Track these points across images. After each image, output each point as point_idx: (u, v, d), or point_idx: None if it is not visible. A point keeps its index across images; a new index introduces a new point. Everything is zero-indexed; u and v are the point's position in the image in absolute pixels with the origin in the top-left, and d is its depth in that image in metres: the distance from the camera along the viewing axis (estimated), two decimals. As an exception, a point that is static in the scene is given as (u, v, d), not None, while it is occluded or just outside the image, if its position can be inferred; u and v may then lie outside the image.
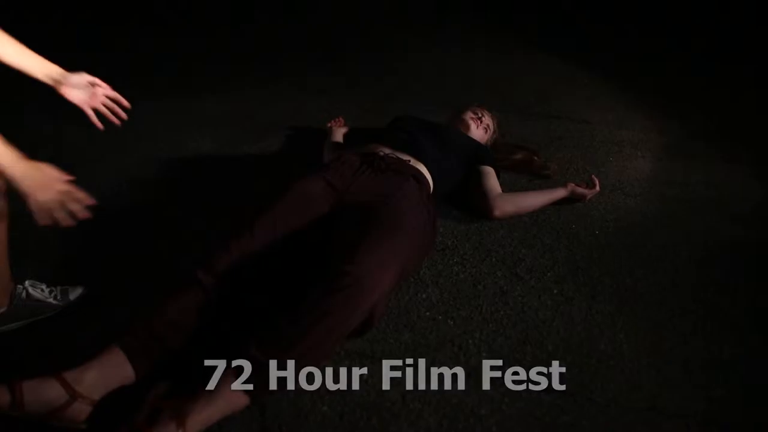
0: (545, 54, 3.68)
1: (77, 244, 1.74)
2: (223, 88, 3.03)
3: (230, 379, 1.14)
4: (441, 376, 1.31)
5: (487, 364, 1.34)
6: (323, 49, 3.75)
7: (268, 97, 2.92)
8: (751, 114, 2.88)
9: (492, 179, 1.92)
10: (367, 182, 1.60)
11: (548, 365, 1.35)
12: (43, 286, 1.46)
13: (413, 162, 1.71)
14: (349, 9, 4.64)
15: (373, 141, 1.83)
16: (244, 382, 1.14)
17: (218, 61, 3.49)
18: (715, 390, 1.32)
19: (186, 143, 2.38)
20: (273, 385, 1.19)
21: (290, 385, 1.23)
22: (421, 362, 1.35)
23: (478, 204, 1.90)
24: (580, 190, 1.98)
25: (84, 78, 1.42)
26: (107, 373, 1.15)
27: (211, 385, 1.14)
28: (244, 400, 1.15)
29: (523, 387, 1.29)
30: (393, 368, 1.32)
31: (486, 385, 1.29)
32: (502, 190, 1.92)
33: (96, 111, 1.46)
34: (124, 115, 1.49)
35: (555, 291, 1.60)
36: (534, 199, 1.93)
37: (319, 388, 1.26)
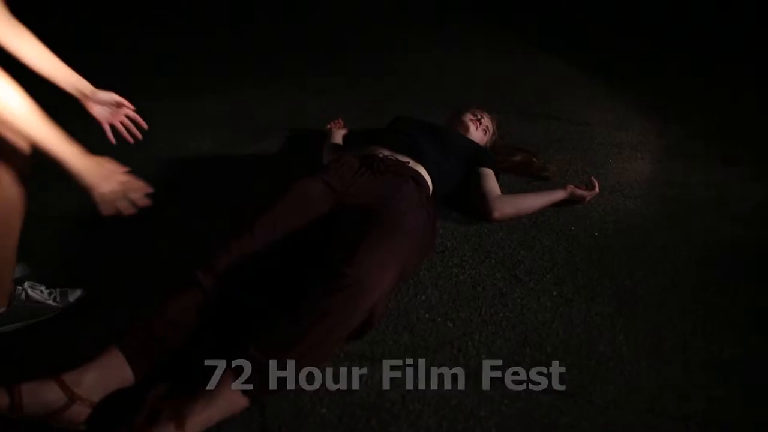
0: (545, 54, 3.68)
1: (77, 246, 1.74)
2: (223, 88, 3.03)
3: (230, 380, 1.14)
4: (440, 378, 1.31)
5: (486, 365, 1.35)
6: (323, 49, 3.75)
7: (268, 97, 2.93)
8: (751, 114, 2.88)
9: (491, 181, 1.92)
10: (366, 184, 1.60)
11: (548, 366, 1.35)
12: (43, 288, 1.46)
13: (412, 164, 1.71)
14: (349, 9, 4.64)
15: (373, 142, 1.83)
16: (244, 383, 1.14)
17: (218, 61, 3.49)
18: (715, 391, 1.32)
19: (186, 143, 2.38)
20: (273, 386, 1.19)
21: (290, 386, 1.23)
22: (421, 363, 1.35)
23: (477, 206, 1.90)
24: (579, 191, 1.98)
25: (112, 97, 1.50)
26: (106, 374, 1.15)
27: (210, 386, 1.13)
28: (244, 401, 1.15)
29: (522, 388, 1.29)
30: (392, 369, 1.32)
31: (485, 387, 1.29)
32: (502, 192, 1.92)
33: (113, 127, 1.53)
34: (139, 135, 1.55)
35: (554, 293, 1.60)
36: (533, 201, 1.93)
37: (318, 389, 1.27)
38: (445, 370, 1.33)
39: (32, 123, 1.11)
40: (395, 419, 1.21)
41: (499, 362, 1.36)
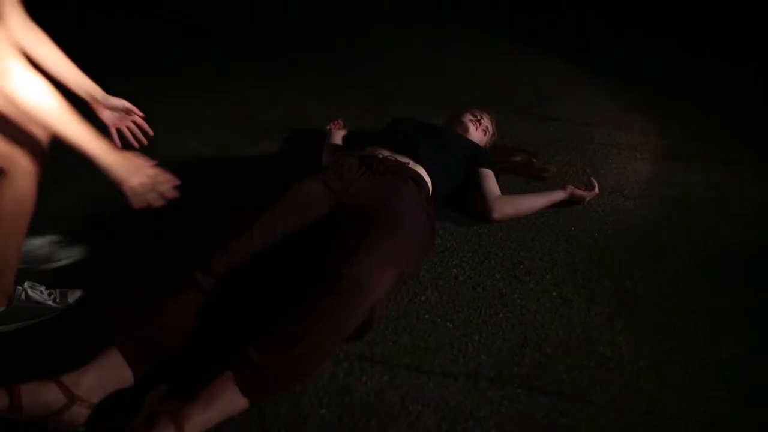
0: (545, 54, 3.68)
1: (77, 246, 1.74)
2: (223, 88, 3.03)
3: (229, 381, 1.14)
4: (440, 379, 1.31)
5: (486, 366, 1.35)
6: (323, 49, 3.75)
7: (268, 97, 2.92)
8: (751, 114, 2.88)
9: (491, 182, 1.92)
10: (365, 184, 1.60)
11: (547, 367, 1.35)
12: (42, 288, 1.47)
13: (412, 164, 1.71)
14: (349, 9, 4.63)
15: (372, 143, 1.83)
16: (244, 384, 1.14)
17: (218, 61, 3.49)
18: (714, 391, 1.32)
19: (186, 143, 2.38)
20: (272, 387, 1.19)
21: (289, 388, 1.24)
22: (421, 364, 1.35)
23: (477, 206, 1.90)
24: (579, 192, 1.98)
25: (122, 103, 1.53)
26: (105, 376, 1.15)
27: (209, 388, 1.13)
28: (243, 402, 1.15)
29: (522, 389, 1.30)
30: (392, 370, 1.32)
31: (485, 388, 1.29)
32: (501, 193, 1.92)
33: (119, 132, 1.57)
34: (144, 140, 1.58)
35: (554, 293, 1.60)
36: (533, 202, 1.94)
37: (318, 391, 1.27)
38: (444, 370, 1.33)
39: (64, 121, 1.15)
40: (395, 420, 1.21)
41: (499, 365, 1.36)
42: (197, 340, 1.29)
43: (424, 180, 1.70)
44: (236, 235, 1.41)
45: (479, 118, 2.17)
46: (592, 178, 2.06)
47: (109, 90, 1.52)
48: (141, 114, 1.57)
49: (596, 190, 2.01)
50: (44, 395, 1.09)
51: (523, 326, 1.48)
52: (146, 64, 3.35)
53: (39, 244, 1.64)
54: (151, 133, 1.59)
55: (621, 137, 2.55)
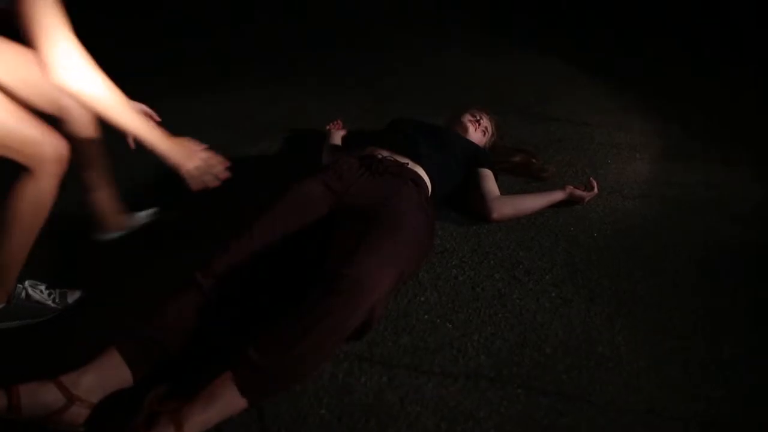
0: (545, 54, 3.68)
1: (76, 247, 1.74)
2: (223, 88, 3.03)
3: (229, 381, 1.14)
4: (439, 379, 1.31)
5: (485, 366, 1.35)
6: (323, 49, 3.75)
7: (268, 97, 2.93)
8: (751, 114, 2.87)
9: (490, 182, 1.92)
10: (365, 185, 1.60)
11: (547, 367, 1.35)
12: (43, 287, 1.47)
13: (411, 165, 1.71)
14: (349, 9, 4.63)
15: (372, 143, 1.83)
16: (243, 384, 1.14)
17: (218, 61, 3.49)
18: (714, 391, 1.32)
19: (185, 144, 2.38)
20: (272, 387, 1.19)
21: (289, 388, 1.24)
22: (420, 365, 1.35)
23: (476, 207, 1.90)
24: (578, 192, 1.98)
25: (140, 107, 1.58)
26: (105, 376, 1.15)
27: (209, 388, 1.13)
28: (243, 403, 1.15)
29: (521, 389, 1.30)
30: (392, 371, 1.32)
31: (484, 388, 1.30)
32: (501, 193, 1.92)
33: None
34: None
35: (553, 293, 1.60)
36: (532, 202, 1.93)
37: (317, 391, 1.27)
38: (444, 371, 1.33)
39: (123, 112, 1.24)
40: (394, 420, 1.21)
41: (498, 365, 1.36)
42: (197, 340, 1.29)
43: (424, 180, 1.70)
44: (236, 235, 1.41)
45: (479, 118, 2.17)
46: (591, 179, 2.05)
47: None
48: (158, 118, 1.60)
49: (596, 190, 2.01)
50: (43, 395, 1.09)
51: (523, 326, 1.48)
52: (146, 64, 3.34)
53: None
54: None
55: (621, 137, 2.55)
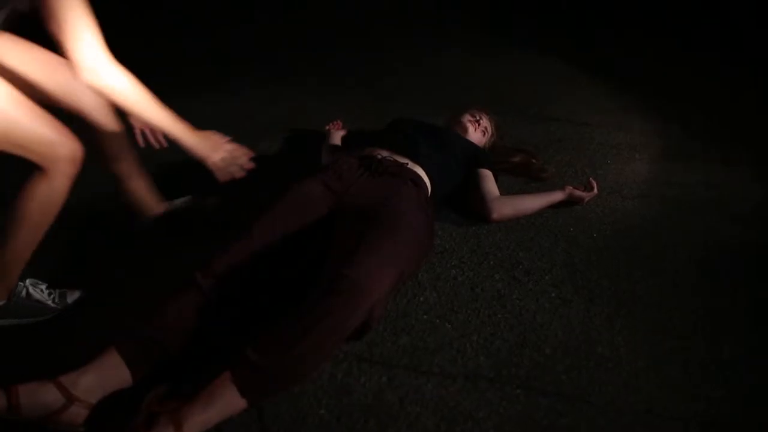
0: (545, 55, 3.67)
1: (75, 247, 1.74)
2: (223, 88, 3.03)
3: (229, 382, 1.14)
4: (439, 379, 1.31)
5: (484, 366, 1.35)
6: (323, 49, 3.75)
7: (268, 97, 2.92)
8: (751, 114, 2.87)
9: (490, 182, 1.92)
10: (365, 185, 1.60)
11: (546, 368, 1.35)
12: (44, 287, 1.47)
13: (411, 165, 1.71)
14: (349, 9, 4.63)
15: (372, 143, 1.83)
16: (243, 385, 1.14)
17: (218, 61, 3.49)
18: (714, 391, 1.32)
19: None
20: (271, 388, 1.19)
21: (288, 388, 1.24)
22: (419, 365, 1.35)
23: (475, 207, 1.90)
24: (577, 193, 1.98)
25: None
26: (104, 376, 1.16)
27: (209, 388, 1.13)
28: (243, 403, 1.15)
29: (520, 390, 1.30)
30: (391, 371, 1.32)
31: (484, 388, 1.30)
32: (500, 193, 1.92)
33: (143, 132, 1.67)
34: (164, 143, 1.65)
35: (553, 294, 1.59)
36: (532, 202, 1.93)
37: (317, 391, 1.27)
38: (443, 371, 1.33)
39: (150, 108, 1.32)
40: (394, 421, 1.21)
41: (497, 365, 1.36)
42: (197, 340, 1.29)
43: (423, 180, 1.70)
44: (236, 236, 1.41)
45: (478, 118, 2.17)
46: (591, 179, 2.05)
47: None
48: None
49: (595, 190, 2.01)
50: (43, 396, 1.09)
51: (522, 327, 1.48)
52: (146, 64, 3.33)
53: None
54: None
55: (620, 137, 2.55)
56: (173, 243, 1.76)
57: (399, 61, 3.56)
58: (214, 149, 1.44)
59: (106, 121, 1.54)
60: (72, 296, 1.49)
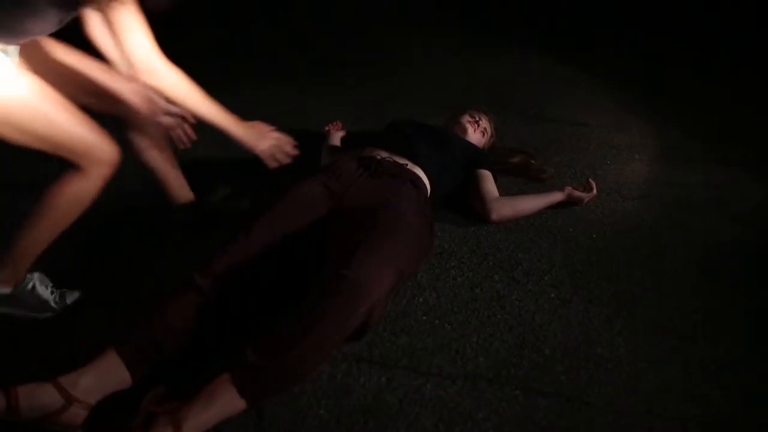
0: (545, 55, 3.67)
1: (75, 247, 1.74)
2: (224, 89, 3.00)
3: (228, 382, 1.14)
4: (438, 380, 1.31)
5: (484, 367, 1.35)
6: (323, 50, 3.75)
7: (268, 97, 2.92)
8: (751, 114, 2.87)
9: (489, 183, 1.92)
10: (364, 186, 1.60)
11: (546, 368, 1.35)
12: (49, 285, 1.47)
13: (410, 166, 1.71)
14: (349, 9, 4.63)
15: (371, 144, 1.83)
16: (242, 385, 1.14)
17: (218, 61, 3.49)
18: (714, 391, 1.32)
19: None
20: (271, 388, 1.19)
21: (288, 389, 1.24)
22: (419, 365, 1.35)
23: (475, 208, 1.90)
24: (577, 193, 1.98)
25: (178, 110, 1.65)
26: (103, 377, 1.16)
27: (208, 389, 1.13)
28: (242, 404, 1.15)
29: (520, 390, 1.30)
30: (390, 372, 1.32)
31: (483, 389, 1.29)
32: (500, 194, 1.92)
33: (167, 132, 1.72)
34: (187, 143, 1.69)
35: (552, 294, 1.59)
36: (531, 203, 1.93)
37: (316, 392, 1.27)
38: (442, 372, 1.33)
39: (201, 103, 1.42)
40: (393, 421, 1.21)
41: (497, 366, 1.36)
42: (196, 341, 1.29)
43: (422, 181, 1.70)
44: (235, 236, 1.41)
45: (478, 119, 2.17)
46: (590, 179, 2.05)
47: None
48: (193, 121, 1.68)
49: (594, 191, 2.01)
50: (41, 397, 1.09)
51: (522, 327, 1.48)
52: (146, 64, 3.33)
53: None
54: (194, 138, 1.71)
55: (620, 138, 2.55)
56: (173, 243, 1.76)
57: (399, 61, 3.56)
58: (261, 138, 1.53)
59: (141, 115, 1.60)
60: (71, 296, 1.50)
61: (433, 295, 1.57)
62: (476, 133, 2.14)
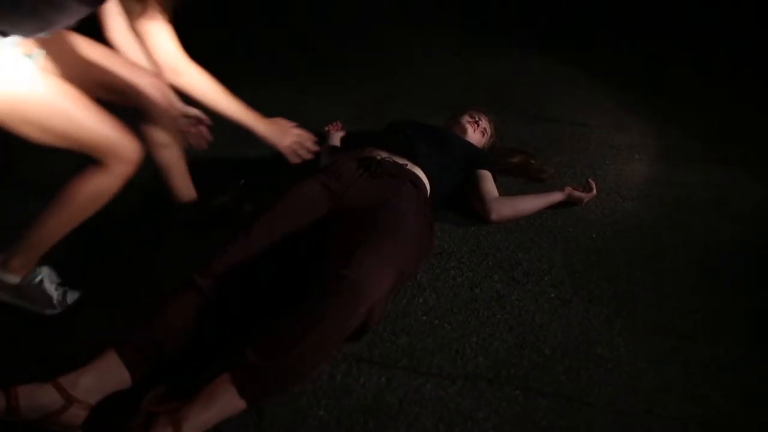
0: (544, 55, 3.67)
1: (75, 247, 1.74)
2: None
3: (228, 382, 1.14)
4: (438, 380, 1.31)
5: (484, 367, 1.35)
6: (323, 50, 3.75)
7: (268, 97, 2.91)
8: (751, 114, 2.87)
9: (489, 183, 1.92)
10: (364, 186, 1.60)
11: (545, 368, 1.35)
12: (57, 281, 1.48)
13: (410, 166, 1.71)
14: (349, 9, 4.63)
15: (371, 144, 1.83)
16: (242, 385, 1.14)
17: (218, 61, 3.48)
18: (714, 391, 1.32)
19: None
20: (271, 388, 1.19)
21: (288, 389, 1.24)
22: (419, 366, 1.35)
23: (475, 208, 1.90)
24: (577, 193, 1.98)
25: (195, 112, 1.75)
26: (103, 377, 1.16)
27: (208, 389, 1.13)
28: (242, 404, 1.15)
29: (520, 390, 1.30)
30: (390, 372, 1.32)
31: (483, 389, 1.29)
32: (499, 194, 1.92)
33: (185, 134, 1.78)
34: (204, 145, 1.77)
35: (552, 294, 1.59)
36: (531, 203, 1.93)
37: (316, 392, 1.27)
38: (442, 372, 1.33)
39: (225, 101, 1.47)
40: (393, 421, 1.21)
41: (497, 366, 1.36)
42: (196, 341, 1.29)
43: (422, 181, 1.70)
44: (235, 236, 1.41)
45: (477, 119, 2.17)
46: (590, 179, 2.05)
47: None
48: (210, 122, 1.75)
49: (594, 191, 2.01)
50: (41, 397, 1.09)
51: (521, 327, 1.48)
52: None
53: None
54: (210, 139, 1.79)
55: (620, 138, 2.55)
56: (173, 243, 1.76)
57: (399, 61, 3.56)
58: (284, 134, 1.58)
59: (158, 109, 1.62)
60: (72, 296, 1.50)
61: (432, 295, 1.57)
62: (476, 133, 2.14)
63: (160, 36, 1.30)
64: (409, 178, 1.66)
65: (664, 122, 2.73)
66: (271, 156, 2.33)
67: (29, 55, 1.23)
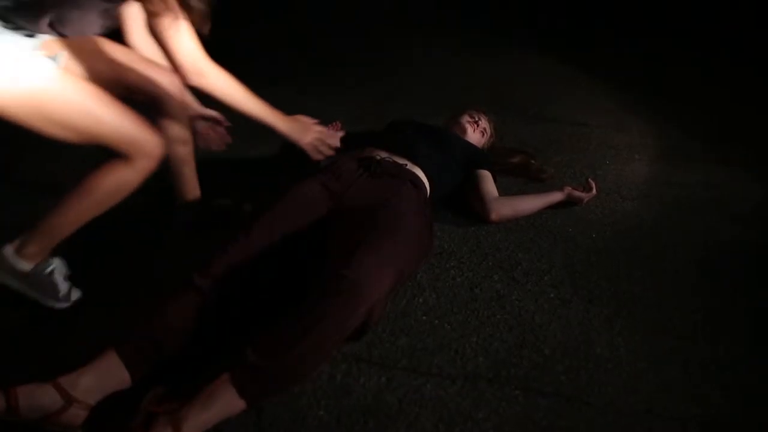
0: (544, 55, 3.68)
1: (75, 247, 1.73)
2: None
3: (227, 383, 1.14)
4: (438, 380, 1.31)
5: (484, 367, 1.35)
6: (323, 50, 3.75)
7: (267, 97, 2.89)
8: (751, 114, 2.87)
9: (489, 183, 1.92)
10: (364, 186, 1.60)
11: (545, 368, 1.35)
12: (66, 274, 1.48)
13: (410, 166, 1.71)
14: (349, 9, 4.63)
15: (371, 144, 1.83)
16: (241, 386, 1.14)
17: (219, 61, 3.48)
18: (714, 392, 1.32)
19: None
20: (270, 389, 1.19)
21: (288, 389, 1.24)
22: (418, 366, 1.35)
23: (474, 208, 1.90)
24: (576, 193, 1.98)
25: (213, 114, 1.81)
26: (103, 377, 1.15)
27: (208, 389, 1.13)
28: (242, 404, 1.15)
29: (520, 390, 1.29)
30: (390, 372, 1.32)
31: (483, 389, 1.29)
32: (499, 194, 1.92)
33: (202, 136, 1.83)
34: (222, 146, 1.83)
35: (552, 294, 1.59)
36: (531, 203, 1.93)
37: (316, 392, 1.27)
38: (442, 372, 1.33)
39: (247, 102, 1.47)
40: (393, 421, 1.21)
41: (496, 366, 1.36)
42: (196, 341, 1.29)
43: (422, 181, 1.70)
44: (235, 236, 1.41)
45: (477, 119, 2.17)
46: (590, 179, 2.05)
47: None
48: (228, 124, 1.78)
49: (594, 191, 2.01)
50: (41, 397, 1.09)
51: (521, 327, 1.48)
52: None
53: None
54: (230, 140, 1.83)
55: (620, 138, 2.55)
56: (173, 243, 1.76)
57: (399, 61, 3.56)
58: (305, 131, 1.60)
59: (176, 111, 1.65)
60: (75, 294, 1.50)
61: (432, 295, 1.57)
62: (476, 133, 2.14)
63: (183, 38, 1.31)
64: (409, 178, 1.66)
65: (664, 122, 2.73)
66: (271, 156, 2.35)
67: (53, 57, 1.25)
